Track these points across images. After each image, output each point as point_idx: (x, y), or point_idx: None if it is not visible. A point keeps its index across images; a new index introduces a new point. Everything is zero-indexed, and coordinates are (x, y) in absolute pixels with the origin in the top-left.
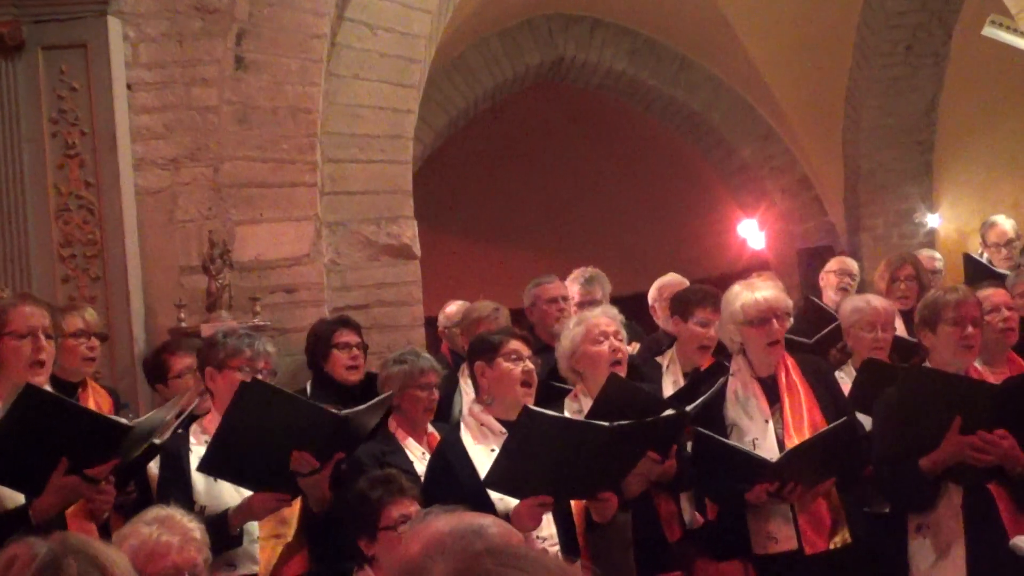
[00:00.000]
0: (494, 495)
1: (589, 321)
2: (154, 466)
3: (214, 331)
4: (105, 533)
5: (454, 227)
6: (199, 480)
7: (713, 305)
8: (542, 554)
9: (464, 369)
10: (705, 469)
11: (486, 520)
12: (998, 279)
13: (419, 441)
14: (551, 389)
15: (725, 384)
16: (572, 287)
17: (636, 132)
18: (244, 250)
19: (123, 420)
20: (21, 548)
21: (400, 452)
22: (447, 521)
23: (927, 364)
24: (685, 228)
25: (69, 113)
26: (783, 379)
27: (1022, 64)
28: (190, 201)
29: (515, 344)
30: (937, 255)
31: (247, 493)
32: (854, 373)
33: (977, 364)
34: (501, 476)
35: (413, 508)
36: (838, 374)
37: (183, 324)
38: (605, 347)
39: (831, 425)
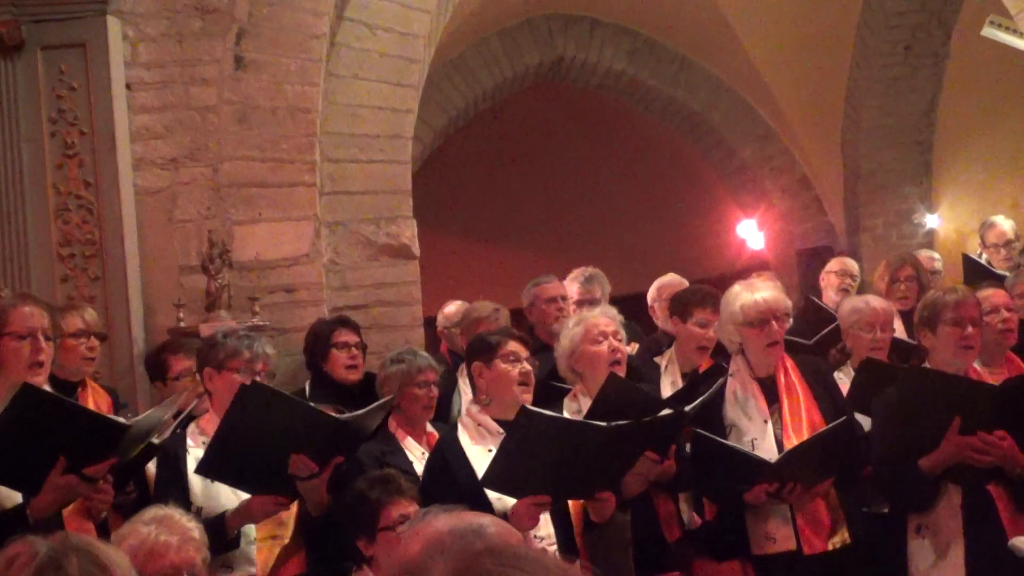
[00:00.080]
0: (492, 495)
1: (588, 321)
2: (152, 466)
3: (213, 331)
4: (104, 533)
5: (453, 227)
6: (196, 481)
7: (712, 306)
8: (541, 554)
9: (463, 369)
10: (704, 469)
11: (485, 520)
12: (997, 280)
13: (419, 441)
14: (550, 389)
15: (724, 384)
16: (571, 286)
17: (636, 132)
18: (243, 250)
19: (120, 419)
20: (22, 547)
21: (400, 452)
22: (446, 521)
23: (926, 365)
24: (684, 228)
25: (68, 113)
26: (782, 380)
27: (1021, 64)
28: (189, 201)
29: (513, 345)
30: (936, 255)
31: (244, 495)
32: (853, 374)
33: (976, 365)
34: (499, 476)
35: (412, 508)
36: (837, 375)
37: (182, 324)
38: (604, 347)
39: (830, 425)
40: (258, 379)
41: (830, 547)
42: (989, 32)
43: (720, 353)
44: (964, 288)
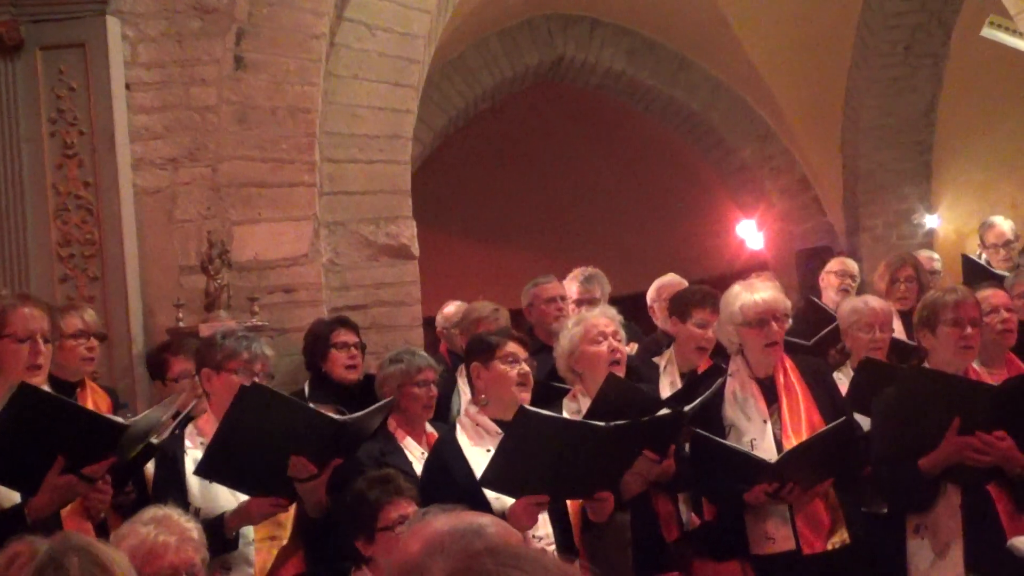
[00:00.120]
0: (490, 494)
1: (588, 321)
2: (151, 467)
3: (212, 332)
4: (103, 533)
5: (453, 227)
6: (194, 482)
7: (711, 306)
8: (541, 554)
9: (463, 369)
10: (703, 470)
11: (485, 520)
12: (996, 280)
13: (418, 441)
14: (550, 389)
15: (723, 385)
16: (571, 285)
17: (635, 132)
18: (243, 250)
19: (119, 419)
20: (23, 546)
21: (399, 452)
22: (446, 520)
23: (926, 365)
24: (684, 228)
25: (68, 113)
26: (781, 380)
27: (1021, 65)
28: (189, 201)
29: (512, 347)
30: (936, 256)
31: (242, 495)
32: (852, 374)
33: (975, 365)
34: (497, 475)
35: (411, 509)
36: (836, 375)
37: (181, 324)
38: (604, 347)
39: (829, 426)
40: (256, 380)
41: (829, 547)
42: (989, 32)
43: (719, 353)
44: (964, 288)
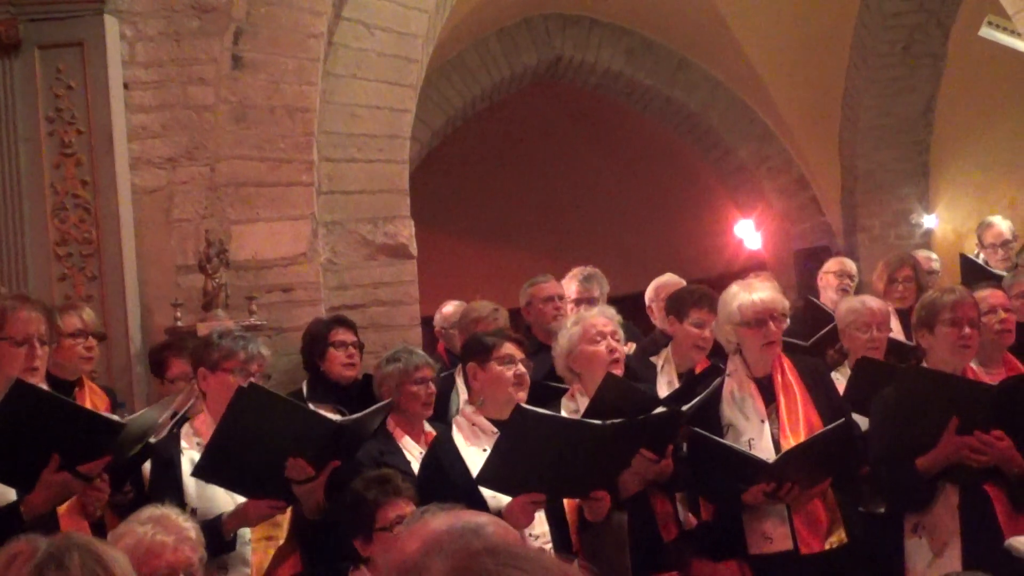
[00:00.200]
0: (487, 493)
1: (586, 321)
2: (148, 467)
3: (210, 331)
4: (100, 532)
5: (451, 227)
6: (190, 482)
7: (709, 306)
8: (540, 553)
9: (461, 369)
10: (701, 469)
11: (484, 519)
12: (995, 280)
13: (417, 440)
14: (548, 389)
15: (721, 384)
16: (570, 284)
17: (634, 132)
18: (241, 249)
19: (115, 417)
20: (23, 545)
21: (398, 452)
22: (445, 520)
23: (924, 364)
24: (682, 228)
25: (66, 112)
26: (779, 379)
27: (1019, 65)
28: (187, 200)
29: (508, 348)
30: (934, 256)
31: (239, 496)
32: (850, 374)
33: (973, 365)
34: (494, 474)
35: (409, 509)
36: (834, 375)
37: (179, 323)
38: (602, 347)
39: (828, 427)
40: (253, 380)
41: (827, 547)
42: (987, 32)
43: (717, 353)
44: (962, 288)
